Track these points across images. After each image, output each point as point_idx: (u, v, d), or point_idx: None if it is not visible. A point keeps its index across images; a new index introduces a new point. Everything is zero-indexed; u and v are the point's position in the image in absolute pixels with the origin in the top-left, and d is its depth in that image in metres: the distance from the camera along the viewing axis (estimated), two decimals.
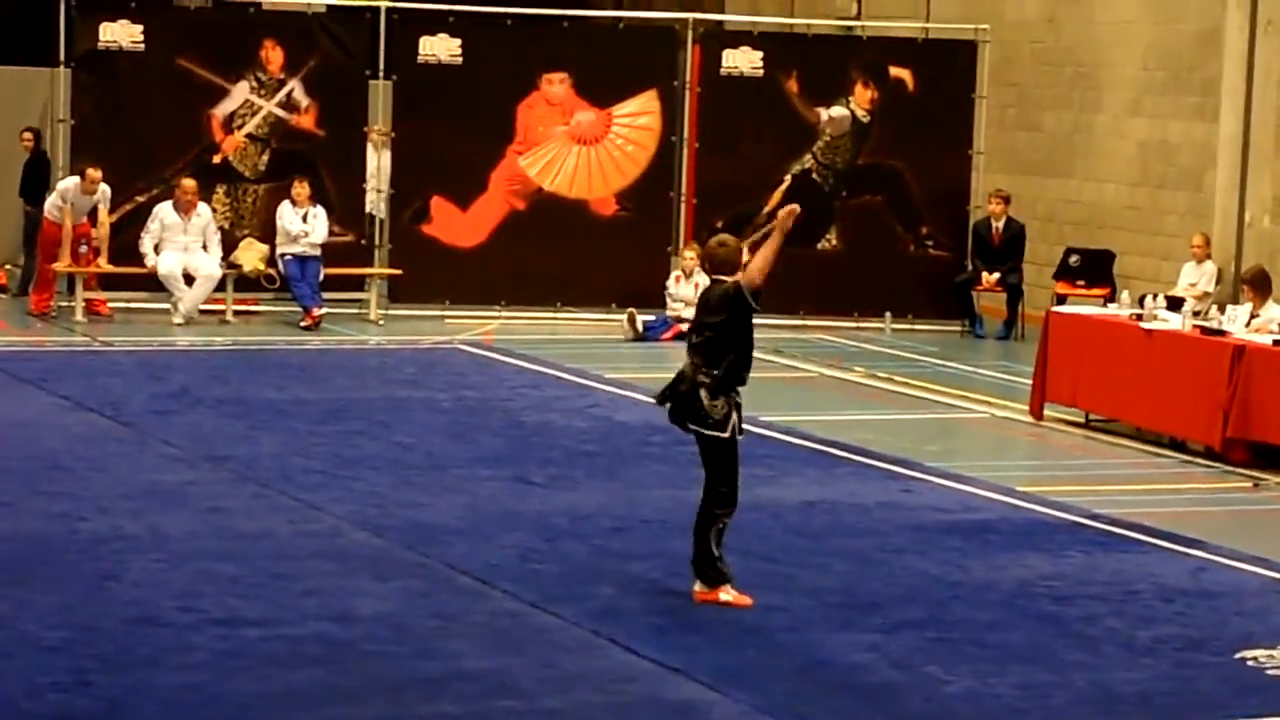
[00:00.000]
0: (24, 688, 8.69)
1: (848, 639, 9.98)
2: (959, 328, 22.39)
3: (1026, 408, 17.05)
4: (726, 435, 10.45)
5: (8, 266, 23.00)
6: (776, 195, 22.48)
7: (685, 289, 21.48)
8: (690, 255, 21.64)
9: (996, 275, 22.24)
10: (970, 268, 22.44)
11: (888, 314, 22.47)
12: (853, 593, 10.91)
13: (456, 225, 22.36)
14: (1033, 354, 17.60)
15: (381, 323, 21.58)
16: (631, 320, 21.22)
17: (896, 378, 18.89)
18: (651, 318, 21.34)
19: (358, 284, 22.07)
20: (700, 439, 10.56)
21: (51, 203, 21.06)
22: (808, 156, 22.67)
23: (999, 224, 22.44)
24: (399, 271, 22.05)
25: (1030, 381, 17.24)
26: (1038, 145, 23.36)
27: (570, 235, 22.14)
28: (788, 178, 22.59)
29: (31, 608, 9.93)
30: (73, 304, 21.03)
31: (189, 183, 21.14)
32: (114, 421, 15.21)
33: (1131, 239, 21.99)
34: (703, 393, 10.41)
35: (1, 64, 23.83)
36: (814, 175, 22.70)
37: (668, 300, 21.52)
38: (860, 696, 9.10)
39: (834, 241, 22.71)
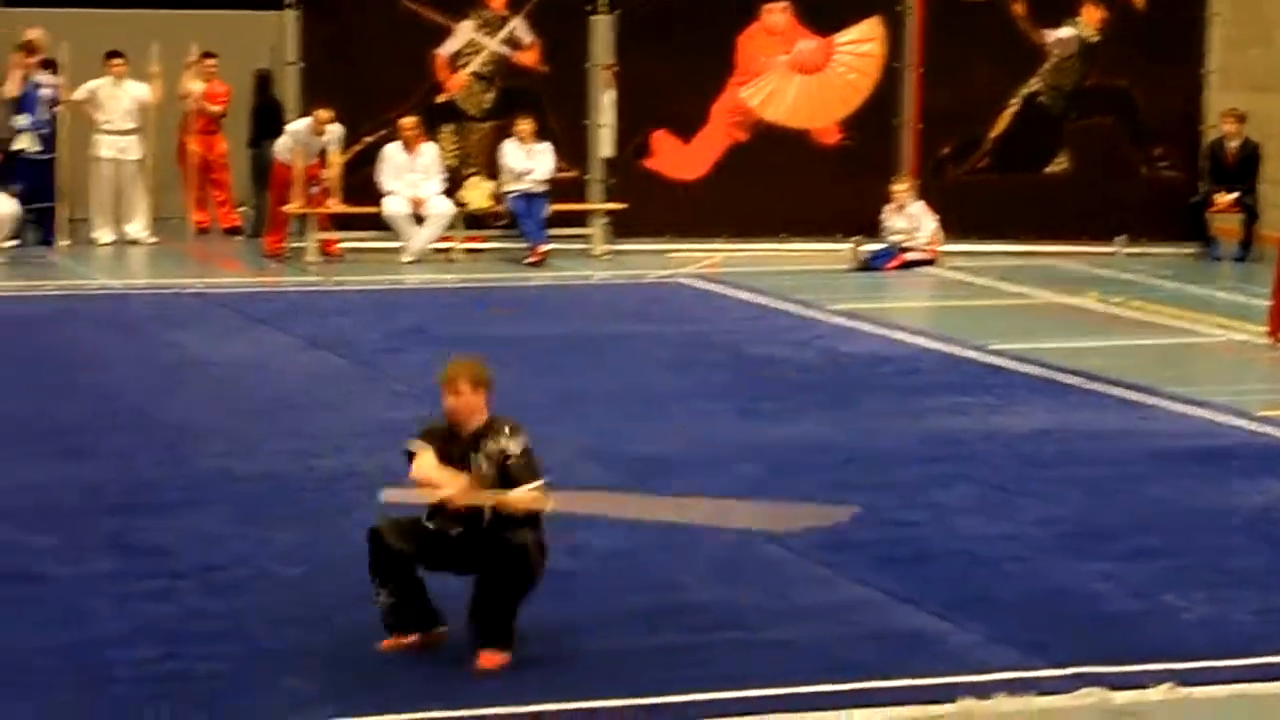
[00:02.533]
0: (265, 624, 8.86)
1: (1082, 567, 9.85)
2: (1193, 250, 21.96)
3: (1265, 330, 16.69)
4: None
5: (242, 209, 23.40)
6: (1004, 120, 22.19)
7: (900, 220, 21.31)
8: (901, 187, 21.45)
9: (1232, 196, 21.77)
10: (1204, 189, 21.98)
11: (1121, 237, 22.09)
12: (1087, 521, 10.76)
13: (679, 159, 22.32)
14: (1269, 276, 17.19)
15: (606, 258, 21.65)
16: (855, 250, 21.08)
17: (1130, 302, 18.59)
18: (876, 247, 21.19)
19: (582, 220, 22.14)
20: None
21: (282, 144, 21.36)
22: (1035, 80, 22.33)
23: (1234, 144, 21.95)
24: (623, 206, 22.09)
25: (1268, 303, 16.86)
26: (1272, 62, 22.77)
27: (793, 166, 22.01)
28: (1015, 102, 22.27)
29: (270, 545, 10.11)
30: (305, 245, 21.34)
31: (409, 120, 21.32)
32: (347, 360, 15.42)
33: None
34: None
35: (228, 8, 24.19)
36: (1042, 98, 22.35)
37: (884, 232, 21.35)
38: (1096, 625, 8.99)
39: (1063, 164, 22.36)
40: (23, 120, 21.81)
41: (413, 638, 8.51)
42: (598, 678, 8.17)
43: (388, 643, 8.50)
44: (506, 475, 8.33)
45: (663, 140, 22.29)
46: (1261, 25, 22.96)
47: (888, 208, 21.47)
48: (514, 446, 8.41)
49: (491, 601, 8.30)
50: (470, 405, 8.49)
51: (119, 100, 22.21)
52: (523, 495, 8.24)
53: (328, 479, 11.57)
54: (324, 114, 20.98)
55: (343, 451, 12.22)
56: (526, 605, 8.41)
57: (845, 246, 21.27)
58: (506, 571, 8.25)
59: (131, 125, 22.27)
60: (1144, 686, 8.15)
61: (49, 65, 22.05)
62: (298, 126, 21.21)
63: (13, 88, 21.83)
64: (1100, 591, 9.44)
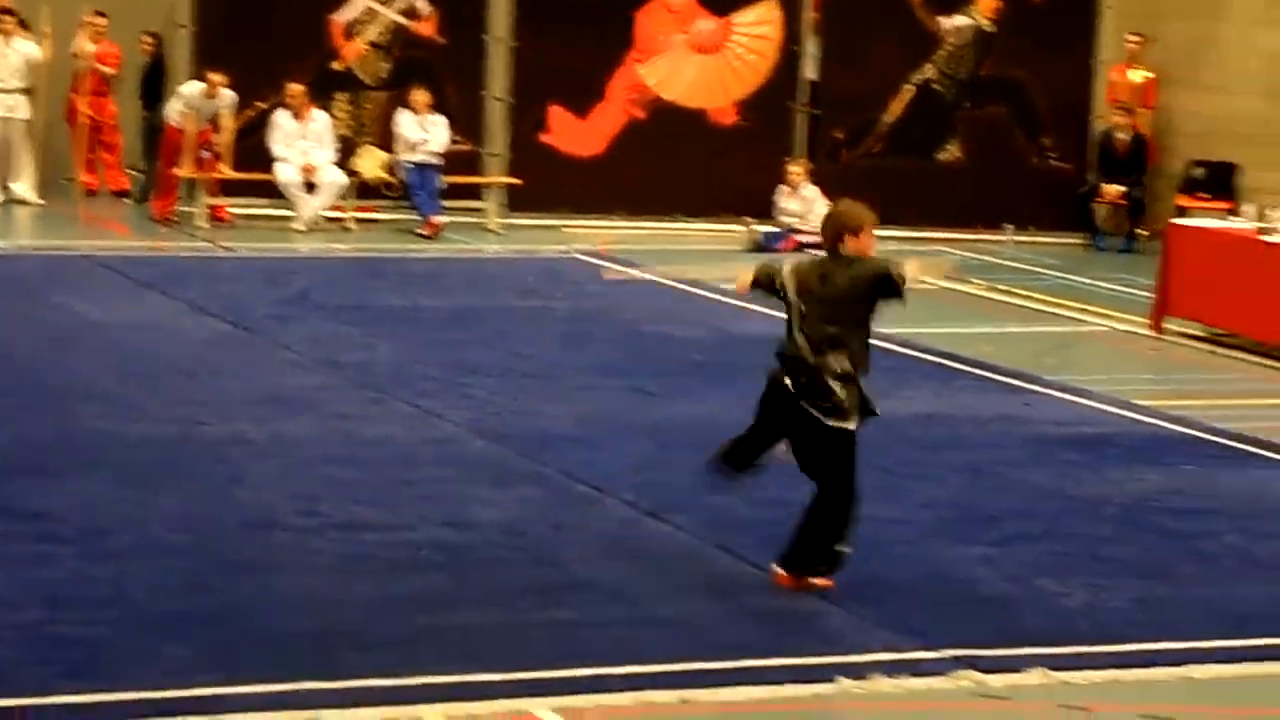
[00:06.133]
0: (148, 590, 8.82)
1: (963, 552, 9.97)
2: (1080, 240, 22.20)
3: (1147, 321, 16.91)
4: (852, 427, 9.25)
5: (130, 171, 23.22)
6: (897, 106, 22.35)
7: (792, 202, 21.41)
8: (796, 169, 21.55)
9: (1119, 188, 22.02)
10: (1092, 180, 22.22)
11: (1009, 226, 22.30)
12: (968, 506, 10.89)
13: (575, 134, 22.35)
14: (1154, 267, 17.45)
15: (500, 232, 21.64)
16: (750, 231, 21.17)
17: (1017, 290, 18.77)
18: (770, 228, 21.29)
19: (476, 193, 22.13)
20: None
21: (174, 108, 21.21)
22: (929, 66, 22.50)
23: (1123, 136, 22.20)
24: (518, 180, 22.09)
25: (1151, 295, 17.09)
26: (1163, 56, 23.05)
27: (689, 145, 22.09)
28: (909, 88, 22.43)
29: (156, 511, 10.06)
30: (195, 209, 21.21)
31: (295, 87, 21.23)
32: (235, 327, 15.36)
33: (1256, 152, 21.68)
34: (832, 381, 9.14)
35: None
36: (935, 85, 22.52)
37: (776, 214, 21.44)
38: (975, 609, 9.10)
39: (955, 152, 22.55)
40: None
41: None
42: (485, 652, 8.20)
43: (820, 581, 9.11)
44: (883, 285, 9.10)
45: (559, 116, 22.30)
46: (1154, 19, 23.21)
47: (781, 189, 21.58)
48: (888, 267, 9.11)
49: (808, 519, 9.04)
50: (871, 245, 9.18)
51: (7, 58, 21.99)
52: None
53: (215, 445, 11.53)
54: (217, 78, 20.85)
55: (231, 418, 12.18)
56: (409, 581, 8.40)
57: (739, 227, 21.36)
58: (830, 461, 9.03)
59: (20, 84, 22.05)
60: (1018, 670, 8.27)
61: None
62: (190, 90, 21.06)
63: None
64: (980, 576, 9.56)
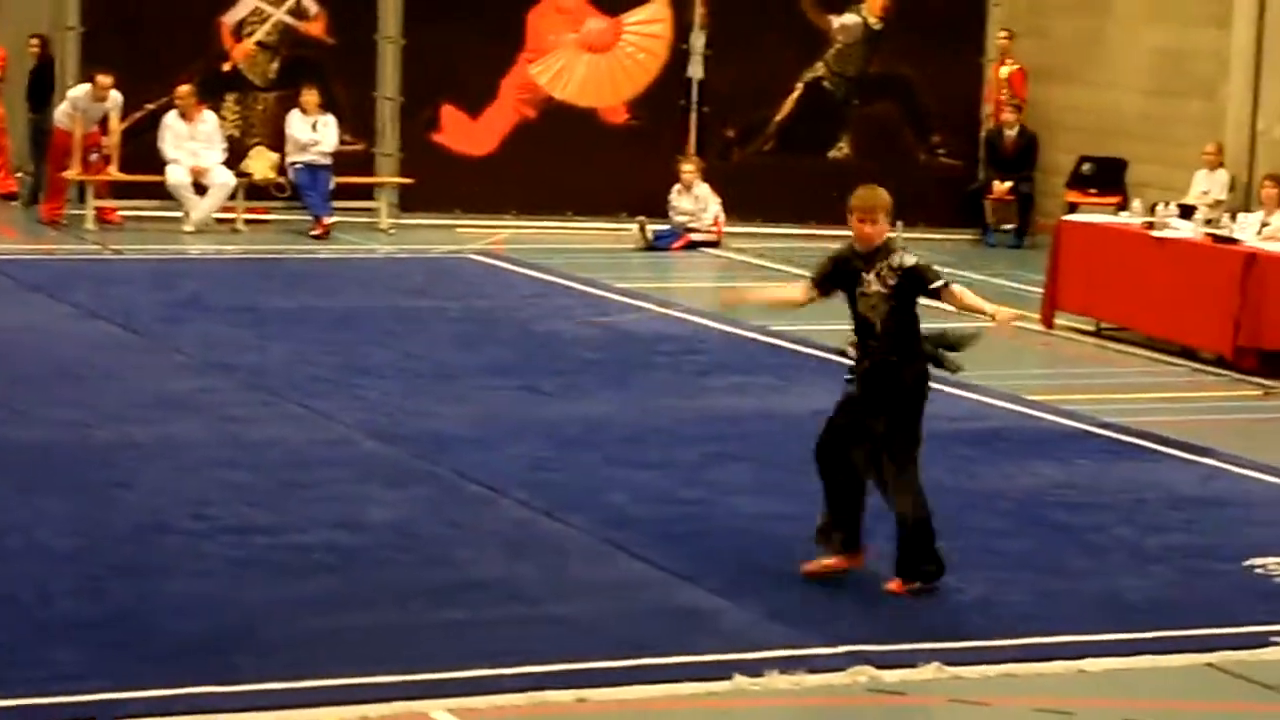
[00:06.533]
0: (37, 595, 8.73)
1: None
2: (970, 236, 22.34)
3: (1037, 316, 17.02)
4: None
5: (19, 174, 22.96)
6: (788, 104, 22.42)
7: (685, 201, 21.43)
8: (689, 168, 21.57)
9: (1008, 184, 22.18)
10: (982, 176, 22.36)
11: (899, 223, 22.37)
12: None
13: (467, 133, 22.28)
14: (1044, 263, 17.58)
15: (392, 232, 21.55)
16: (642, 229, 21.18)
17: None
18: (662, 227, 21.30)
19: (368, 193, 22.03)
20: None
21: (62, 110, 21.00)
22: (819, 64, 22.57)
23: (1011, 132, 22.36)
24: (409, 180, 22.00)
25: (1041, 290, 17.21)
26: (1050, 52, 23.22)
27: (581, 144, 22.05)
28: (799, 86, 22.50)
29: (44, 515, 9.96)
30: (84, 212, 21.01)
31: (184, 89, 21.08)
32: (125, 330, 15.22)
33: (1144, 147, 21.88)
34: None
35: None
36: (825, 83, 22.60)
37: (670, 213, 21.46)
38: (870, 604, 9.13)
39: (845, 150, 22.63)
40: None
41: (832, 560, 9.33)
42: (379, 653, 8.15)
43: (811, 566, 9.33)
44: (914, 278, 9.36)
45: (451, 115, 22.23)
46: (1041, 15, 23.38)
47: (675, 188, 21.60)
48: (909, 259, 9.42)
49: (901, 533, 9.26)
50: (882, 231, 9.47)
51: None
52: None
53: (104, 449, 11.42)
54: (104, 80, 20.66)
55: (120, 422, 12.07)
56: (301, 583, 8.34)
57: (631, 226, 21.36)
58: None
59: None
60: (913, 666, 8.30)
61: None
62: (77, 93, 20.86)
63: None
64: (876, 572, 9.58)
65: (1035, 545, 10.17)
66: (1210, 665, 8.56)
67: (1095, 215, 18.72)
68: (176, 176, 20.89)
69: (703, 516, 10.48)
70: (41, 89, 22.38)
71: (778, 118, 22.51)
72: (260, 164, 21.46)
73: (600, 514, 10.36)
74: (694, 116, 22.45)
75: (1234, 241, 15.88)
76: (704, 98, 22.43)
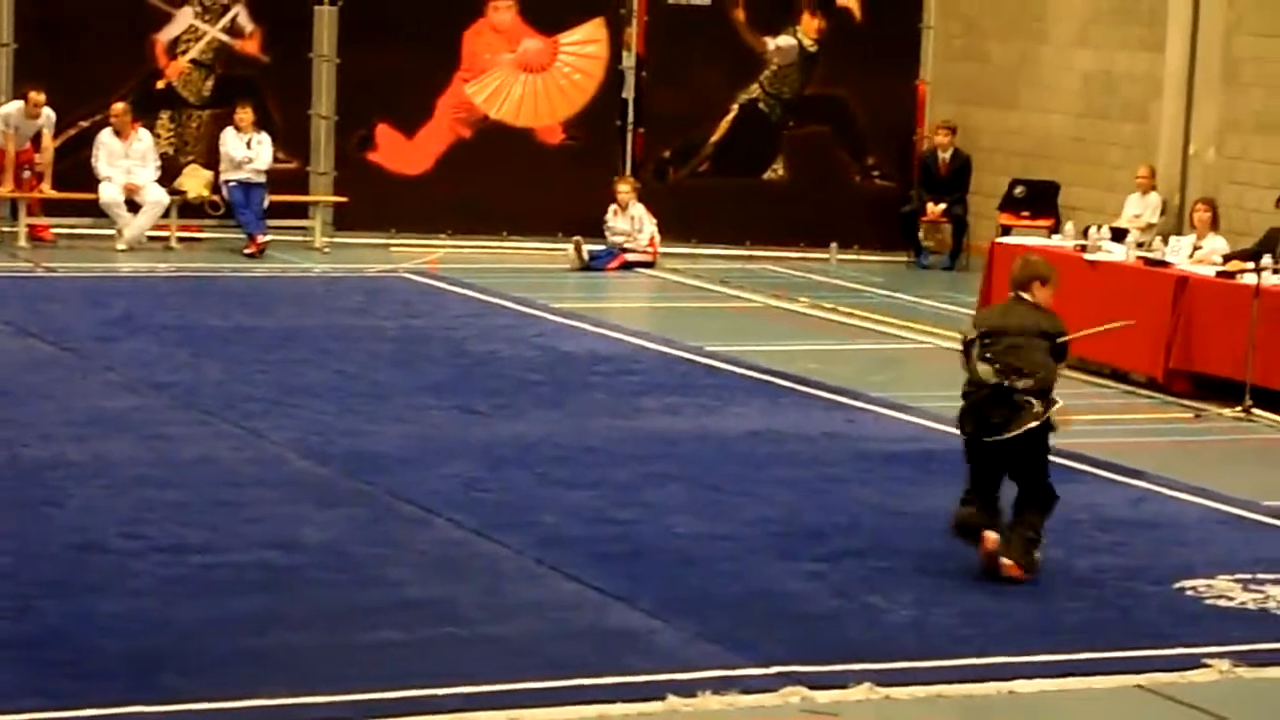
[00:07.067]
0: None
1: (791, 568, 10.03)
2: (904, 258, 22.44)
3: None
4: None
5: None
6: (723, 125, 22.48)
7: (621, 222, 21.46)
8: (625, 189, 21.59)
9: (942, 206, 22.28)
10: (916, 198, 22.46)
11: (833, 244, 22.48)
12: (795, 522, 10.95)
13: (402, 153, 22.25)
14: (977, 285, 17.67)
15: (326, 250, 21.50)
16: (578, 250, 21.18)
17: (841, 308, 18.92)
18: (598, 247, 21.32)
19: (302, 211, 21.98)
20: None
21: None
22: (755, 86, 22.64)
23: (945, 155, 22.47)
24: (344, 199, 21.96)
25: (973, 313, 17.26)
26: (984, 76, 23.36)
27: (517, 164, 22.05)
28: (734, 108, 22.57)
29: None
30: (16, 229, 20.90)
31: (119, 106, 21.01)
32: (56, 347, 15.14)
33: (1076, 170, 22.03)
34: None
35: None
36: (761, 105, 22.67)
37: (607, 233, 21.48)
38: (802, 625, 9.15)
39: (780, 171, 22.70)
40: None
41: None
42: (311, 674, 8.13)
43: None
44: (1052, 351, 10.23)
45: (386, 134, 22.20)
46: (975, 39, 23.52)
47: (611, 208, 21.61)
48: (1061, 325, 10.33)
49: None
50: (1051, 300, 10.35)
51: None
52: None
53: (35, 468, 11.36)
54: (37, 97, 20.56)
55: (52, 440, 12.00)
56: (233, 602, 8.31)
57: (567, 246, 21.37)
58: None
59: None
60: (845, 686, 8.33)
61: None
62: (10, 109, 20.76)
63: None
64: (808, 591, 9.62)
65: (967, 566, 10.21)
66: (1140, 687, 8.61)
67: (1028, 238, 18.82)
68: (110, 194, 20.81)
69: (636, 537, 10.49)
70: None
71: (713, 139, 22.56)
72: (194, 182, 21.39)
73: (534, 534, 10.37)
74: (630, 137, 22.49)
75: (1166, 265, 16.00)
76: (640, 118, 22.47)
